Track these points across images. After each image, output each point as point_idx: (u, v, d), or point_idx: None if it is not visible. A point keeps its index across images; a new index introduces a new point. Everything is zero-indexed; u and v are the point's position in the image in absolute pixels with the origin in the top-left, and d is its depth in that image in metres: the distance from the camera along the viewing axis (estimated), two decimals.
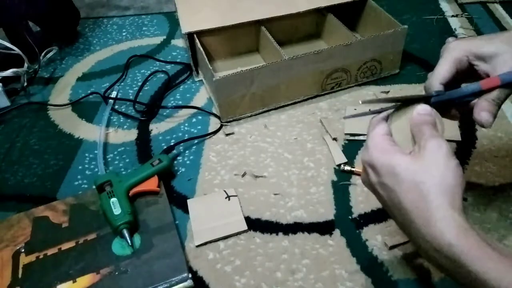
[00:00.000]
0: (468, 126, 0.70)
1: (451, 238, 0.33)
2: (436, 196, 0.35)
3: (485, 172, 0.63)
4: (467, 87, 0.44)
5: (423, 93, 0.47)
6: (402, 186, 0.37)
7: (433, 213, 0.35)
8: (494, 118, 0.42)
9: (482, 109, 0.42)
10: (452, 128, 0.70)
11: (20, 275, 0.53)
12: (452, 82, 0.46)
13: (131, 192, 0.60)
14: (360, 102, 0.43)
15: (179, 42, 0.98)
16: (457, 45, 0.46)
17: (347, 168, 0.64)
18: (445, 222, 0.34)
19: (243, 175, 0.66)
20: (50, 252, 0.55)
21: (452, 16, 0.99)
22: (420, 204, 0.35)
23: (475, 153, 0.66)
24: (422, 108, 0.41)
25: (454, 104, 0.46)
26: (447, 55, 0.46)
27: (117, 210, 0.56)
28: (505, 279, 0.31)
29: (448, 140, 0.68)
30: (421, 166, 0.36)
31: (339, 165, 0.65)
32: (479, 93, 0.43)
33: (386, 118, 0.43)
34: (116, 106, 0.81)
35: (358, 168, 0.64)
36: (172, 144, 0.71)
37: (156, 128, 0.76)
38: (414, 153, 0.38)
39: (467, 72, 0.46)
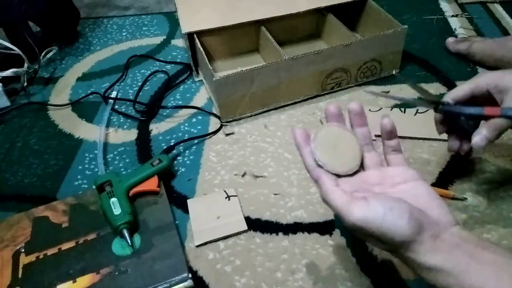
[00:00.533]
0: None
1: (437, 265, 0.35)
2: (398, 241, 0.36)
3: (485, 172, 0.63)
4: (472, 107, 0.48)
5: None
6: (371, 239, 0.38)
7: (412, 252, 0.36)
8: (490, 143, 0.46)
9: (477, 133, 0.47)
10: None
11: (20, 275, 0.53)
12: (468, 104, 0.50)
13: (131, 192, 0.60)
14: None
15: (179, 42, 0.98)
16: (483, 73, 0.51)
17: None
18: (423, 256, 0.36)
19: (243, 175, 0.66)
20: (50, 252, 0.55)
21: (452, 16, 0.99)
22: (394, 248, 0.37)
23: (475, 153, 0.66)
24: (309, 165, 0.43)
25: (458, 126, 0.51)
26: (470, 79, 0.51)
27: (117, 210, 0.56)
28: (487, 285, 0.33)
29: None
30: (365, 218, 0.37)
31: None
32: (482, 117, 0.48)
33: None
34: (116, 106, 0.81)
35: None
36: (172, 144, 0.71)
37: (156, 128, 0.76)
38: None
39: (487, 100, 0.49)
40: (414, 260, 0.36)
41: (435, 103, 0.49)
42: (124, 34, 1.03)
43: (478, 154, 0.50)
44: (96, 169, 0.68)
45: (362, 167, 0.45)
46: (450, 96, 0.51)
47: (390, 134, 0.44)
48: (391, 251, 0.38)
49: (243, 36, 0.86)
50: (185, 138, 0.72)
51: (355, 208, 0.36)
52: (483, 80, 0.49)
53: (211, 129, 0.74)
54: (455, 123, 0.53)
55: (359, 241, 0.56)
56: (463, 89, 0.50)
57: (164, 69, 0.90)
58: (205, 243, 0.56)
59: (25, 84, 0.88)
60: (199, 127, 0.75)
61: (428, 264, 0.35)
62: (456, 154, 0.58)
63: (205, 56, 0.75)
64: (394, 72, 0.81)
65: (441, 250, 0.35)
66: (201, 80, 0.86)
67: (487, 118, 0.47)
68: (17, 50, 0.84)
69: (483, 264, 0.34)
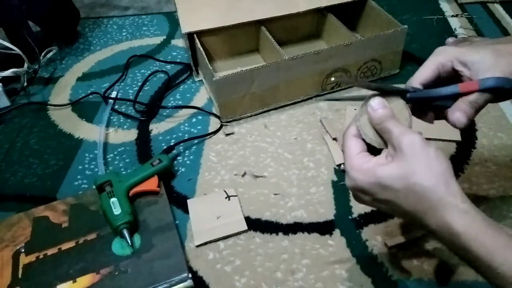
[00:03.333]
0: (468, 126, 0.70)
1: (459, 229, 0.34)
2: (432, 191, 0.35)
3: (485, 172, 0.63)
4: (445, 88, 0.44)
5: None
6: (397, 195, 0.37)
7: (436, 208, 0.35)
8: (469, 121, 0.42)
9: (457, 109, 0.43)
10: (452, 128, 0.69)
11: (20, 275, 0.53)
12: (434, 86, 0.44)
13: (131, 192, 0.60)
14: (332, 79, 0.42)
15: (179, 42, 0.98)
16: (444, 50, 0.45)
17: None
18: (449, 213, 0.34)
19: (243, 175, 0.66)
20: (50, 252, 0.55)
21: (452, 16, 0.99)
22: (420, 204, 0.36)
23: (475, 153, 0.66)
24: (375, 103, 0.41)
25: (431, 105, 0.45)
26: (432, 58, 0.45)
27: (117, 210, 0.56)
28: None
29: (448, 140, 0.68)
30: (406, 169, 0.36)
31: (339, 165, 0.65)
32: (457, 96, 0.43)
33: (357, 132, 0.42)
34: (116, 106, 0.81)
35: None
36: (172, 144, 0.71)
37: (156, 128, 0.76)
38: (391, 157, 0.38)
39: (451, 78, 0.45)
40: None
41: (400, 92, 0.44)
42: (124, 34, 1.03)
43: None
44: (96, 169, 0.68)
45: None
46: (417, 81, 0.44)
47: None
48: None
49: (243, 36, 0.86)
50: (185, 138, 0.72)
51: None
52: (445, 56, 0.44)
53: (211, 129, 0.74)
54: (425, 110, 0.47)
55: (359, 241, 0.56)
56: (428, 68, 0.44)
57: (164, 69, 0.90)
58: (205, 243, 0.56)
59: (25, 84, 0.88)
60: (199, 127, 0.75)
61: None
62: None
63: (205, 56, 0.75)
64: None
65: (465, 213, 0.35)
66: (201, 80, 0.86)
67: (462, 96, 0.43)
68: (17, 50, 0.84)
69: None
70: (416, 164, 0.36)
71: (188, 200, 0.62)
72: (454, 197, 0.35)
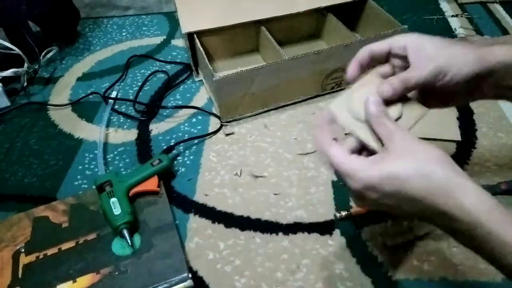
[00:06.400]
0: (468, 126, 0.70)
1: (471, 204, 0.34)
2: (440, 172, 0.36)
3: (485, 172, 0.63)
4: None
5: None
6: (408, 183, 0.37)
7: (445, 187, 0.35)
8: (395, 94, 0.44)
9: (387, 81, 0.45)
10: (452, 128, 0.70)
11: (20, 275, 0.53)
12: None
13: (131, 192, 0.60)
14: None
15: (179, 42, 0.98)
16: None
17: (344, 213, 0.59)
18: (459, 191, 0.35)
19: (238, 174, 0.66)
20: (50, 252, 0.55)
21: (452, 16, 0.99)
22: (430, 186, 0.36)
23: (475, 153, 0.66)
24: (374, 101, 0.42)
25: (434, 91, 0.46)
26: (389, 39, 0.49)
27: (117, 210, 0.56)
28: None
29: (448, 140, 0.68)
30: (409, 158, 0.37)
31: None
32: None
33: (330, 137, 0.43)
34: (116, 106, 0.81)
35: (355, 209, 0.59)
36: (172, 144, 0.71)
37: (156, 128, 0.76)
38: (389, 153, 0.39)
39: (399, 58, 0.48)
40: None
41: None
42: (124, 34, 1.03)
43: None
44: (96, 169, 0.68)
45: None
46: (368, 48, 0.51)
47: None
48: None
49: (243, 36, 0.86)
50: (185, 138, 0.73)
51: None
52: (402, 37, 0.47)
53: (211, 129, 0.74)
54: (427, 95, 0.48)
55: (359, 241, 0.56)
56: (383, 42, 0.49)
57: (164, 69, 0.90)
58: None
59: (25, 84, 0.88)
60: (199, 127, 0.75)
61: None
62: None
63: (205, 56, 0.75)
64: None
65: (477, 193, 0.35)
66: (201, 80, 0.86)
67: None
68: (17, 50, 0.84)
69: None
70: (412, 153, 0.37)
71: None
72: (462, 176, 0.36)
